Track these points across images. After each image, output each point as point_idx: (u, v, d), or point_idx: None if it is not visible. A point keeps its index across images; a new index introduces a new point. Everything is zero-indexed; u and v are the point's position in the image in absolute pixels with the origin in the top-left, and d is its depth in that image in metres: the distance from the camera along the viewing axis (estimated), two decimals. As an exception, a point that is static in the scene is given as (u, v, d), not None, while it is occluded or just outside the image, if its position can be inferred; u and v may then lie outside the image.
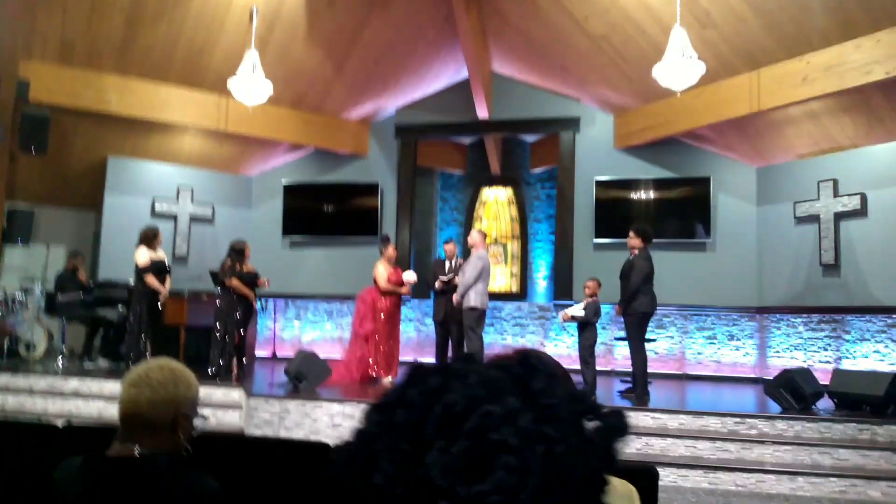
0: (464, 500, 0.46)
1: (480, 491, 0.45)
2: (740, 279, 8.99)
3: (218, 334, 7.59)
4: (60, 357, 8.16)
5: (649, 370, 7.05)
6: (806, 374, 6.46)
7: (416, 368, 0.54)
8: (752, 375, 8.84)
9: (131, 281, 7.83)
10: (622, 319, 7.04)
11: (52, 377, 7.23)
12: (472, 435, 0.46)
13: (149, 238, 7.72)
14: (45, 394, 6.99)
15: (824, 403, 6.30)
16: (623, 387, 7.34)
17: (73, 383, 7.06)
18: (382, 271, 7.68)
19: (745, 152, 8.92)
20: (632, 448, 5.77)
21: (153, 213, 9.74)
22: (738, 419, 5.91)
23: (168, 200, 9.94)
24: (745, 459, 5.59)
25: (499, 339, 9.99)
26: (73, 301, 8.32)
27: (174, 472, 1.69)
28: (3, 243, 9.32)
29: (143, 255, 7.58)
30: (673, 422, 6.04)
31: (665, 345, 9.26)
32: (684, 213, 9.31)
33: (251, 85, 7.84)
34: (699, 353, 9.21)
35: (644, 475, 2.23)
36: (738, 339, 9.08)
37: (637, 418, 6.10)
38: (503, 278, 11.23)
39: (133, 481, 1.64)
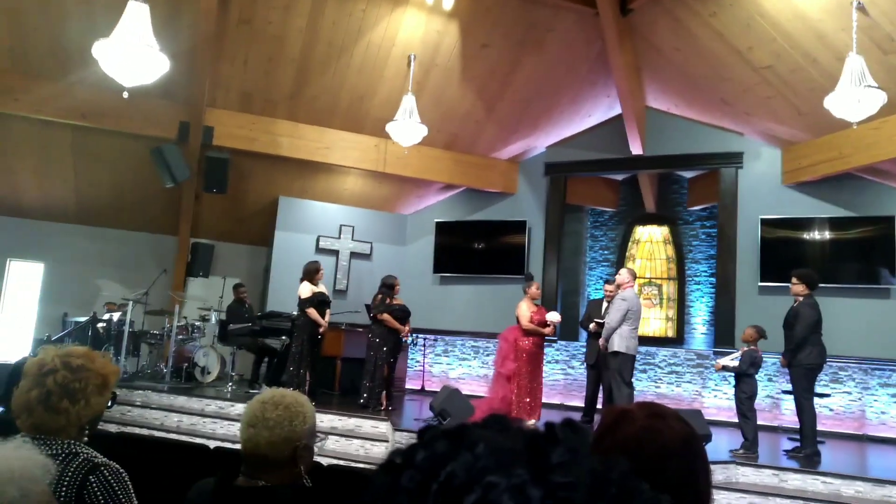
0: None
1: None
2: (932, 330, 7.96)
3: (368, 366, 7.86)
4: (230, 382, 8.83)
5: (822, 428, 6.41)
6: None
7: (426, 430, 0.51)
8: (950, 442, 7.74)
9: (295, 313, 8.33)
10: (788, 371, 6.47)
11: (221, 402, 7.82)
12: None
13: (311, 273, 8.16)
14: (214, 417, 7.57)
15: None
16: (790, 445, 6.71)
17: (239, 408, 7.57)
18: (525, 310, 7.53)
19: (938, 189, 7.97)
20: (798, 515, 5.24)
21: (317, 249, 10.39)
22: (928, 492, 5.20)
23: (331, 237, 10.57)
24: (938, 539, 4.89)
25: (652, 388, 9.50)
26: (242, 330, 9.01)
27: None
28: (187, 275, 10.33)
29: (306, 289, 8.04)
30: (848, 489, 5.42)
31: (841, 401, 8.34)
32: (864, 255, 8.43)
33: (408, 128, 8.18)
34: (882, 413, 8.20)
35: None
36: (931, 399, 8.01)
37: (805, 482, 5.54)
38: (658, 322, 10.72)
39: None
